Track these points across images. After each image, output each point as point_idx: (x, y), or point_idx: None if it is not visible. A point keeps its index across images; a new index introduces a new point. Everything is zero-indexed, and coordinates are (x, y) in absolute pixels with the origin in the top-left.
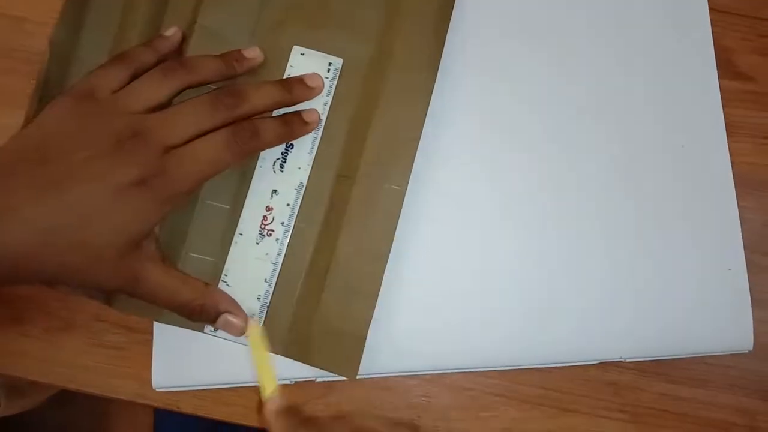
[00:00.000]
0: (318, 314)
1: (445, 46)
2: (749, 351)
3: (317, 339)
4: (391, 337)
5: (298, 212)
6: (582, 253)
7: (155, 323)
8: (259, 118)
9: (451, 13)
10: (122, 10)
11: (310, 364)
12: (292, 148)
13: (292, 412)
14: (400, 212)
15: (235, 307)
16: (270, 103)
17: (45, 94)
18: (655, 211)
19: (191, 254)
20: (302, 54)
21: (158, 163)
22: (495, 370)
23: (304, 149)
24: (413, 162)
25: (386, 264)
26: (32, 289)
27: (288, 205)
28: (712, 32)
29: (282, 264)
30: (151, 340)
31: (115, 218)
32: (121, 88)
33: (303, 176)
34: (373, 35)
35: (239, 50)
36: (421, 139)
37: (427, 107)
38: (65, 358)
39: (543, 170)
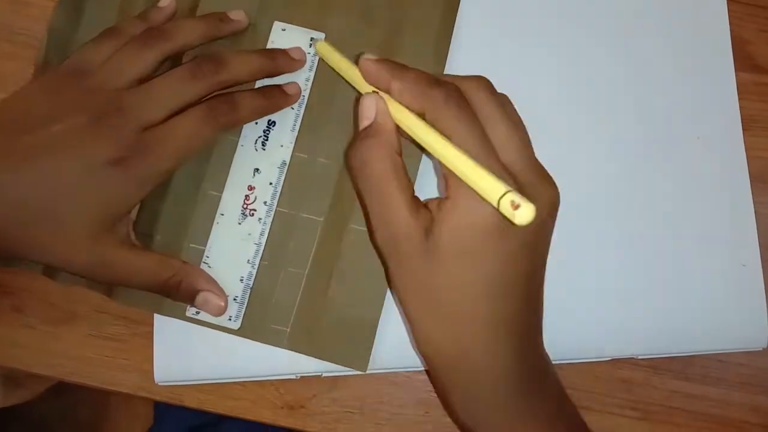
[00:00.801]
0: (321, 302)
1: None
2: (763, 349)
3: (324, 329)
4: (400, 331)
5: (281, 191)
6: (594, 248)
7: (155, 315)
8: (238, 90)
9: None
10: None
11: (315, 356)
12: (273, 126)
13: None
14: None
15: (214, 286)
16: (251, 70)
17: None
18: (670, 206)
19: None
20: (283, 30)
21: (137, 142)
22: None
23: (287, 126)
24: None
25: None
26: (33, 280)
27: (270, 183)
28: (730, 23)
29: (265, 245)
30: (153, 333)
31: (87, 196)
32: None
33: (285, 154)
34: (375, 18)
35: (224, 12)
36: None
37: None
38: (66, 349)
39: (556, 164)
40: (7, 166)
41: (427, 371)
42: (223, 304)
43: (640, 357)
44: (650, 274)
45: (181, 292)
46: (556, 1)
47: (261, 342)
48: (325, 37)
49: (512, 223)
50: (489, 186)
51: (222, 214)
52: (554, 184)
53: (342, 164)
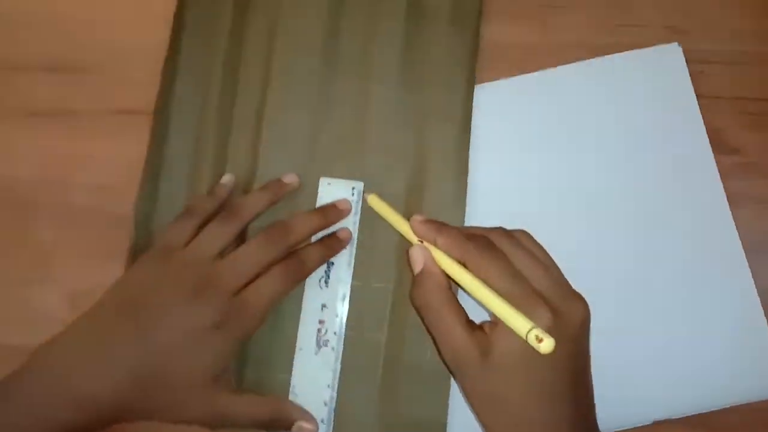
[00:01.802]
0: (393, 408)
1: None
2: None
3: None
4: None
5: (347, 320)
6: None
7: None
8: (302, 247)
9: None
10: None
11: None
12: (332, 266)
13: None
14: None
15: (305, 415)
16: (312, 230)
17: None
18: (675, 287)
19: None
20: (329, 184)
21: (230, 306)
22: None
23: (343, 264)
24: None
25: None
26: None
27: (337, 315)
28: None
29: (340, 369)
30: None
31: (197, 358)
32: (192, 238)
33: (345, 288)
34: (404, 156)
35: (279, 179)
36: None
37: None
38: None
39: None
40: (126, 345)
41: None
42: (314, 429)
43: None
44: (665, 337)
45: (279, 424)
46: (547, 126)
47: None
48: (364, 186)
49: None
50: (518, 324)
51: (301, 349)
52: (582, 299)
53: (394, 285)
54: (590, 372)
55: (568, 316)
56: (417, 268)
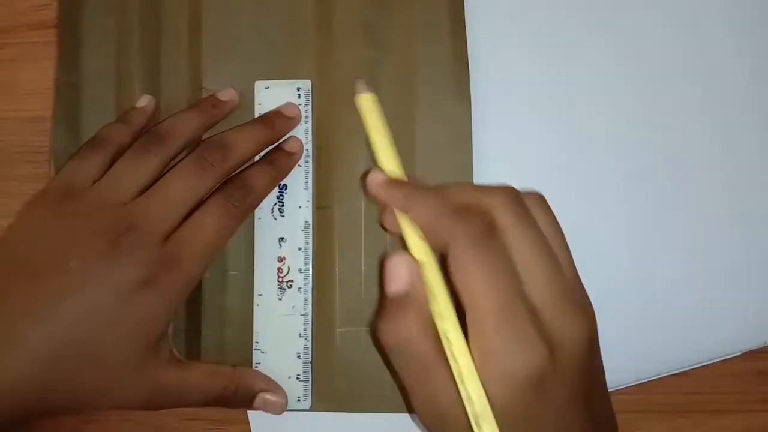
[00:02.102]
0: None
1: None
2: None
3: None
4: None
5: (314, 254)
6: (698, 236)
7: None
8: (245, 169)
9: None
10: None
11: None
12: (286, 189)
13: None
14: None
15: (270, 384)
16: (256, 145)
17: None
18: (752, 183)
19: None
20: (266, 87)
21: (161, 255)
22: (629, 386)
23: (299, 186)
24: None
25: None
26: None
27: (300, 249)
28: None
29: (314, 313)
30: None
31: (126, 326)
32: (102, 175)
33: (306, 214)
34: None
35: (213, 95)
36: None
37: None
38: None
39: (643, 152)
40: (31, 320)
41: None
42: (282, 401)
43: None
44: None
45: (238, 399)
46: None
47: (356, 411)
48: (313, 84)
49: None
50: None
51: (260, 294)
52: (586, 313)
53: (365, 207)
54: (605, 386)
55: (570, 344)
56: (394, 286)
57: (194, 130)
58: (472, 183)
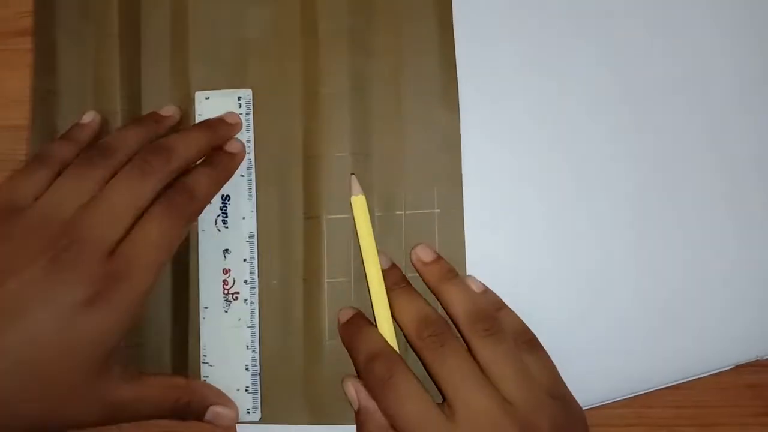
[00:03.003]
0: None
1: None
2: None
3: None
4: None
5: (259, 265)
6: (691, 249)
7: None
8: (186, 173)
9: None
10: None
11: None
12: (229, 200)
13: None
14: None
15: (222, 397)
16: (199, 149)
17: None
18: (749, 188)
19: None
20: (207, 98)
21: (107, 270)
22: (621, 400)
23: (242, 196)
24: None
25: None
26: None
27: (245, 260)
28: None
29: (260, 324)
30: None
31: (72, 345)
32: (44, 192)
33: (251, 225)
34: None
35: (155, 112)
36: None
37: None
38: None
39: (633, 162)
40: None
41: None
42: (233, 414)
43: (765, 358)
44: (760, 269)
45: (191, 411)
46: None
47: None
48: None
49: None
50: None
51: (206, 307)
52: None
53: (303, 214)
54: None
55: None
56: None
57: (137, 143)
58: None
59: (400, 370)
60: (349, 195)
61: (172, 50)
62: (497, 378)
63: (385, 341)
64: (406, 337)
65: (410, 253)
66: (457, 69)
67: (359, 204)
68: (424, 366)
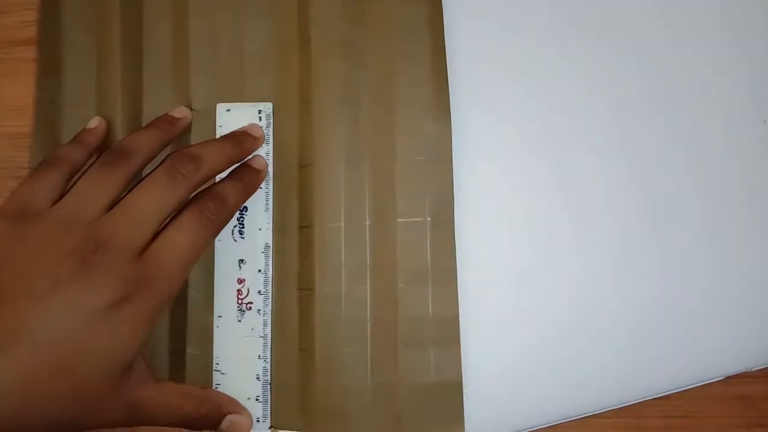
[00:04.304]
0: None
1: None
2: None
3: (401, 405)
4: (486, 394)
5: (274, 275)
6: (680, 259)
7: None
8: (215, 183)
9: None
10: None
11: None
12: (246, 211)
13: None
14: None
15: (237, 406)
16: (226, 160)
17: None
18: (737, 203)
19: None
20: (228, 110)
21: (134, 273)
22: (611, 410)
23: (259, 208)
24: None
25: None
26: None
27: (260, 271)
28: None
29: (272, 334)
30: None
31: (99, 348)
32: (60, 196)
33: (266, 236)
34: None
35: (167, 114)
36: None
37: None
38: None
39: (618, 174)
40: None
41: None
42: (248, 422)
43: (754, 369)
44: (747, 277)
45: (208, 420)
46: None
47: None
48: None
49: None
50: None
51: (220, 316)
52: None
53: (322, 227)
54: None
55: None
56: None
57: (155, 146)
58: None
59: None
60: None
61: (173, 61)
62: None
63: None
64: None
65: None
66: (448, 80)
67: None
68: None
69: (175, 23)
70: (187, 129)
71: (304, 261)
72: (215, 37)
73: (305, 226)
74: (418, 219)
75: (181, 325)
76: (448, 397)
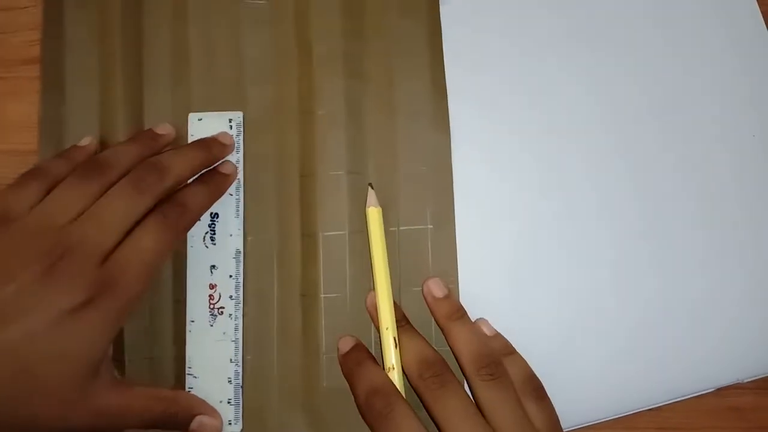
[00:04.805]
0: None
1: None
2: None
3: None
4: None
5: (244, 281)
6: (673, 270)
7: None
8: (180, 190)
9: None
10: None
11: None
12: (217, 218)
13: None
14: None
15: (206, 407)
16: (193, 168)
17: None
18: (730, 214)
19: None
20: (199, 119)
21: (99, 277)
22: (605, 421)
23: (230, 214)
24: None
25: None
26: None
27: (231, 276)
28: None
29: (246, 337)
30: None
31: (65, 351)
32: (38, 203)
33: (237, 242)
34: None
35: (151, 129)
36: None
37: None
38: None
39: (616, 179)
40: None
41: None
42: (218, 423)
43: (746, 381)
44: (737, 290)
45: (178, 422)
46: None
47: None
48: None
49: None
50: None
51: (192, 321)
52: None
53: (296, 235)
54: None
55: None
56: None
57: (133, 160)
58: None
59: (399, 406)
60: (365, 206)
61: (173, 73)
62: (496, 423)
63: (386, 377)
64: (407, 377)
65: (422, 286)
66: (448, 92)
67: (375, 216)
68: (424, 406)
69: (174, 36)
70: (169, 144)
71: (308, 268)
72: (215, 49)
73: (307, 234)
74: (420, 227)
75: (154, 330)
76: None
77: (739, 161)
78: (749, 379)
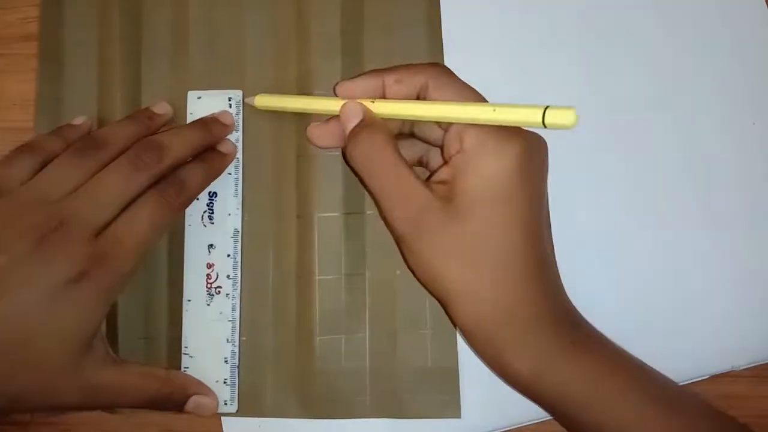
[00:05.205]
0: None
1: None
2: None
3: (399, 388)
4: (480, 386)
5: (242, 260)
6: (666, 260)
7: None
8: (178, 168)
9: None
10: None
11: (403, 416)
12: (216, 197)
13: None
14: None
15: (202, 387)
16: (192, 147)
17: None
18: (727, 203)
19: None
20: (199, 97)
21: (93, 250)
22: None
23: (229, 193)
24: None
25: None
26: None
27: (228, 255)
28: None
29: (241, 318)
30: None
31: (57, 324)
32: (32, 177)
33: (236, 222)
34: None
35: (148, 108)
36: None
37: None
38: None
39: (614, 173)
40: None
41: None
42: (214, 403)
43: (740, 368)
44: (730, 278)
45: (172, 401)
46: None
47: (337, 417)
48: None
49: (567, 128)
50: (527, 113)
51: (189, 300)
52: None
53: (296, 215)
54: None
55: (537, 144)
56: (354, 121)
57: (129, 139)
58: None
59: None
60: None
61: (172, 52)
62: None
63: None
64: None
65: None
66: None
67: (264, 98)
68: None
69: (174, 15)
70: (166, 124)
71: (303, 249)
72: (215, 30)
73: (302, 215)
74: None
75: (150, 309)
76: (445, 382)
77: (739, 149)
78: (744, 367)
